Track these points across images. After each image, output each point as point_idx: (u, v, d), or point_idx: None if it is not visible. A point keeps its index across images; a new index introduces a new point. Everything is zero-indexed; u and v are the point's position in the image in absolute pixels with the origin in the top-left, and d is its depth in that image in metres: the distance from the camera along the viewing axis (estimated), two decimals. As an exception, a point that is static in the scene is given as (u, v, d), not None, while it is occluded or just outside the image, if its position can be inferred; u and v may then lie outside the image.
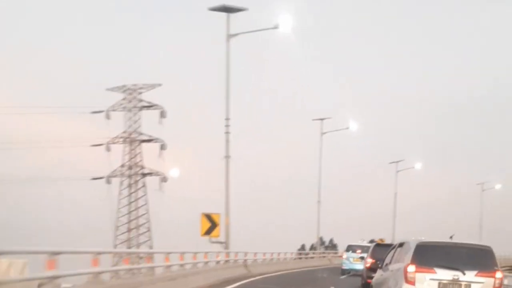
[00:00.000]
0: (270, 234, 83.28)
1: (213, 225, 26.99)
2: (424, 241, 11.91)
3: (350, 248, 35.55)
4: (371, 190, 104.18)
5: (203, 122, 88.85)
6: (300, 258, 46.59)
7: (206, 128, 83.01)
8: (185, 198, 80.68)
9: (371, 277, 17.70)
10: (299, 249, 79.60)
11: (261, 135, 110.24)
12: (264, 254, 35.05)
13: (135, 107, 78.01)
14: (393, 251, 13.61)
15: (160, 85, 77.99)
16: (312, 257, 49.25)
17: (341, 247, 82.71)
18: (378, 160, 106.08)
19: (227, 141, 28.62)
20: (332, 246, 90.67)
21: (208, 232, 27.05)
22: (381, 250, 20.93)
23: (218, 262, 25.30)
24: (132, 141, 78.42)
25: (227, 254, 27.52)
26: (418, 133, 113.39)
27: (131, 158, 78.44)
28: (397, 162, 66.85)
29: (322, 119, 51.25)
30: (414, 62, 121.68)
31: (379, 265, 14.50)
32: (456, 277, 11.20)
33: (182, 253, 19.26)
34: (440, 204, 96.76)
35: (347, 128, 53.34)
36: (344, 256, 35.99)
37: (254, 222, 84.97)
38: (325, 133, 51.31)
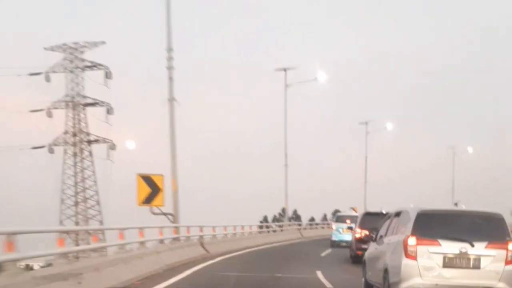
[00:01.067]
0: (226, 205, 76.58)
1: (155, 191, 19.84)
2: (425, 209, 10.55)
3: (339, 218, 34.00)
4: (339, 155, 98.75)
5: (152, 79, 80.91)
6: (268, 232, 39.80)
7: (154, 84, 75.19)
8: (137, 166, 73.33)
9: (362, 249, 17.58)
10: (261, 221, 72.67)
11: (216, 89, 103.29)
12: (225, 228, 28.13)
13: (77, 67, 70.45)
14: (388, 221, 12.19)
15: (103, 42, 70.30)
16: (280, 230, 42.33)
17: (305, 219, 76.82)
18: (347, 122, 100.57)
19: (170, 78, 21.43)
20: (296, 217, 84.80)
21: (148, 200, 19.97)
22: (370, 219, 20.09)
23: (162, 241, 18.29)
24: (75, 106, 71.12)
25: (176, 229, 20.49)
26: (391, 96, 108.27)
27: (75, 124, 71.23)
28: (367, 123, 60.47)
29: (285, 69, 43.73)
30: (389, 27, 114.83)
31: (373, 237, 12.90)
32: (463, 250, 9.97)
33: (95, 231, 12.10)
34: (413, 170, 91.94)
35: (315, 79, 45.62)
36: (333, 227, 33.64)
37: (208, 191, 78.38)
38: (290, 85, 43.88)
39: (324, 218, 75.75)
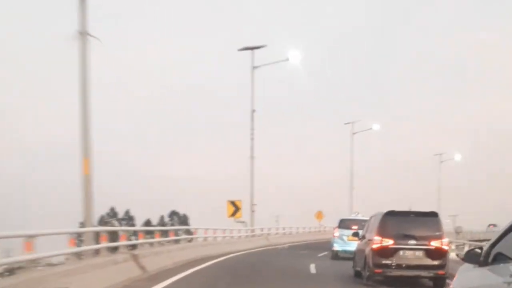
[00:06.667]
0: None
1: None
2: None
3: (343, 223, 28.07)
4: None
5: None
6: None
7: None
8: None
9: (382, 266, 14.70)
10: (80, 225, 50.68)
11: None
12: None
13: None
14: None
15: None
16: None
17: (140, 222, 59.65)
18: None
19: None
20: (129, 218, 65.00)
21: None
22: (396, 223, 15.31)
23: None
24: None
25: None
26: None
27: None
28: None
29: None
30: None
31: (476, 256, 6.28)
32: None
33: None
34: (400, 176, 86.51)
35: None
36: (336, 233, 27.71)
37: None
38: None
39: (162, 221, 63.67)
